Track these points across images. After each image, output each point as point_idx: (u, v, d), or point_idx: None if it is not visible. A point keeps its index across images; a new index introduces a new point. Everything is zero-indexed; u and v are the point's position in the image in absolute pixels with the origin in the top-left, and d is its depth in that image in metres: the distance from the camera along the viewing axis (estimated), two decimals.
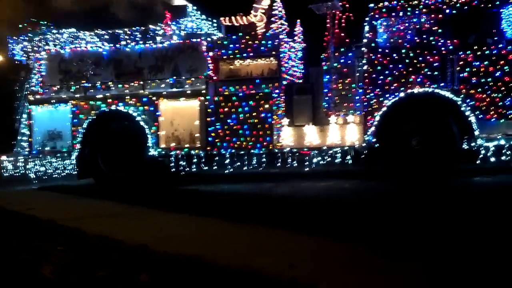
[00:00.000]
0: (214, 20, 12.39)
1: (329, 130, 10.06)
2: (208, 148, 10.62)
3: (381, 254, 3.89)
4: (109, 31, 11.85)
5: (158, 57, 11.10)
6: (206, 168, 10.76)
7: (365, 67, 9.80)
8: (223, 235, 5.09)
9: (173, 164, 10.97)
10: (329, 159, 10.11)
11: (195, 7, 12.07)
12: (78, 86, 11.29)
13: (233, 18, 12.09)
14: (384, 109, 9.55)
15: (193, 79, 10.79)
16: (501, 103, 8.99)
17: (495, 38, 9.12)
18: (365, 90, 9.81)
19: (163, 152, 10.91)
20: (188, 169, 10.87)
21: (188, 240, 4.83)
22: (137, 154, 10.88)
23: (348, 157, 10.00)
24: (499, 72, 9.01)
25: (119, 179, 10.71)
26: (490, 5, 9.16)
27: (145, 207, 7.25)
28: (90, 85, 11.25)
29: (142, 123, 10.93)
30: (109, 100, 11.14)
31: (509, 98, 8.94)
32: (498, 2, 9.13)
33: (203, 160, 10.76)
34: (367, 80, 9.77)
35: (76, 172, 11.13)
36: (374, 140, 9.60)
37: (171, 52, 11.03)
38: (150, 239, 4.71)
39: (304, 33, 12.49)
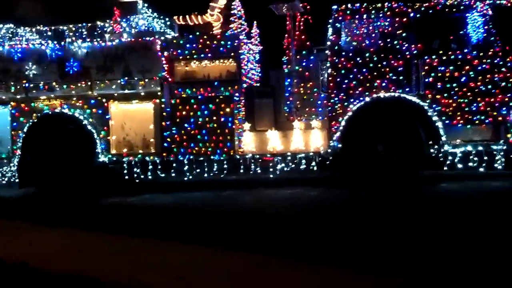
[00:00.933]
0: (167, 19, 11.71)
1: (293, 135, 9.65)
2: (164, 154, 9.93)
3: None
4: (52, 28, 10.91)
5: (107, 56, 10.29)
6: (163, 175, 10.05)
7: (329, 71, 9.48)
8: (114, 250, 4.96)
9: (126, 171, 10.17)
10: (293, 165, 9.68)
11: (146, 4, 11.35)
12: (18, 86, 10.28)
13: (187, 17, 11.50)
14: (349, 114, 9.25)
15: (146, 80, 10.07)
16: (467, 108, 8.91)
17: (461, 43, 9.07)
18: (329, 94, 9.49)
19: (114, 159, 10.11)
20: (143, 176, 10.11)
21: (76, 257, 4.71)
22: (84, 160, 10.02)
23: (313, 163, 9.61)
24: (464, 77, 8.94)
25: (65, 188, 9.81)
26: (454, 10, 9.10)
27: (39, 222, 6.86)
28: (31, 85, 10.26)
29: (89, 127, 10.09)
30: (53, 102, 10.22)
31: (475, 104, 8.89)
32: (462, 7, 9.09)
33: (159, 167, 10.04)
34: (331, 84, 9.45)
35: (17, 180, 10.09)
36: (339, 145, 9.29)
37: (122, 51, 10.26)
38: (34, 256, 4.54)
39: (260, 34, 12.10)
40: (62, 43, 10.41)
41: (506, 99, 8.83)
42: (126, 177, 10.18)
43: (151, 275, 3.85)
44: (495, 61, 8.86)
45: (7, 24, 11.11)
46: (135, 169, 10.14)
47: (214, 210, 7.30)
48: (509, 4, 8.90)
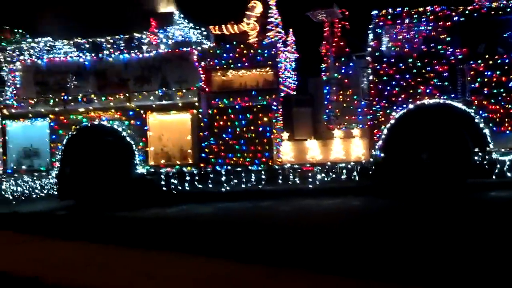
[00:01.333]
0: (203, 29, 11.66)
1: (332, 144, 9.43)
2: (202, 164, 9.82)
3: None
4: (89, 40, 10.98)
5: (145, 67, 10.26)
6: (201, 186, 9.94)
7: (370, 78, 9.24)
8: (121, 262, 5.00)
9: (163, 182, 10.11)
10: (334, 175, 9.44)
11: (181, 15, 11.34)
12: (56, 99, 10.33)
13: (223, 26, 11.39)
14: (392, 121, 8.98)
15: (183, 90, 10.00)
16: None
17: (507, 47, 8.72)
18: (370, 102, 9.24)
19: (152, 170, 10.05)
20: (180, 187, 10.02)
21: (93, 271, 4.72)
22: (123, 172, 9.99)
23: (354, 173, 9.36)
24: None
25: (104, 200, 9.80)
26: (500, 12, 8.76)
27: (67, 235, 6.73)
28: (70, 98, 10.31)
29: (128, 138, 10.07)
30: (92, 114, 10.23)
31: None
32: (508, 9, 8.74)
33: (197, 177, 9.94)
34: (372, 91, 9.21)
35: (56, 193, 10.13)
36: (382, 155, 9.01)
37: (159, 62, 10.23)
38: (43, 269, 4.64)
39: (296, 42, 11.91)
40: (100, 55, 10.45)
41: None
42: (164, 188, 10.11)
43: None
44: None
45: (45, 38, 11.23)
46: (172, 180, 10.06)
47: (247, 222, 7.10)
48: None
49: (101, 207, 9.55)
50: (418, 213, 7.31)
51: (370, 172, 9.29)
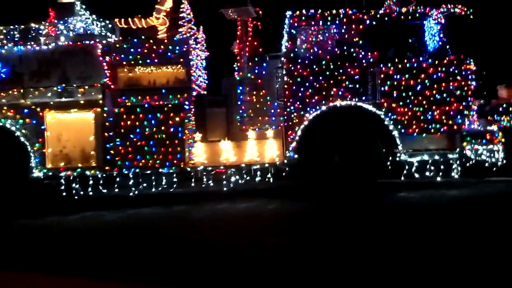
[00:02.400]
0: (107, 21, 10.88)
1: (247, 145, 9.18)
2: (107, 167, 9.13)
3: None
4: None
5: (42, 61, 9.37)
6: (105, 191, 9.23)
7: (284, 79, 9.11)
8: None
9: (63, 187, 9.26)
10: (248, 177, 9.19)
11: (84, 6, 10.51)
12: None
13: (129, 20, 10.68)
14: (306, 123, 8.93)
15: (86, 87, 9.26)
16: (422, 117, 8.83)
17: (416, 51, 8.98)
18: (285, 103, 9.12)
19: (50, 173, 9.19)
20: (82, 192, 9.25)
21: None
22: (16, 176, 9.04)
23: (269, 174, 9.18)
24: (420, 86, 8.85)
25: None
26: (410, 18, 9.02)
27: None
28: None
29: (22, 138, 9.13)
30: None
31: (430, 112, 8.81)
32: (418, 15, 9.02)
33: (101, 181, 9.22)
34: (287, 92, 9.09)
35: None
36: (295, 156, 8.91)
37: (59, 56, 9.38)
38: None
39: (207, 40, 11.51)
40: None
41: (461, 107, 8.82)
42: (64, 193, 9.27)
43: None
44: (450, 69, 8.83)
45: None
46: (74, 185, 9.26)
47: (146, 229, 6.63)
48: (462, 13, 8.90)
49: None
50: (330, 216, 7.25)
51: (284, 174, 9.16)
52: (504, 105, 9.47)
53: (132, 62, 9.39)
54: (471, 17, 8.88)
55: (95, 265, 4.78)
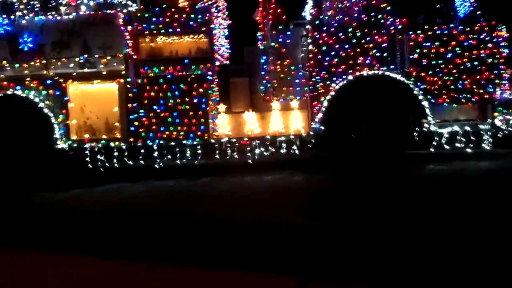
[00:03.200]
0: None
1: (271, 117, 9.04)
2: (131, 139, 9.08)
3: None
4: None
5: (64, 31, 9.23)
6: (131, 162, 9.21)
7: (309, 47, 8.87)
8: None
9: (88, 159, 9.26)
10: (273, 149, 9.07)
11: None
12: None
13: None
14: (332, 93, 8.73)
15: (108, 57, 9.14)
16: (452, 86, 8.57)
17: (446, 18, 8.67)
18: (310, 72, 8.91)
19: (75, 145, 9.17)
20: (108, 164, 9.23)
21: None
22: (41, 148, 9.05)
23: (294, 146, 9.05)
24: (450, 54, 8.57)
25: (22, 177, 8.83)
26: None
27: None
28: None
29: (46, 110, 9.09)
30: (4, 83, 9.12)
31: (461, 81, 8.54)
32: None
33: (126, 153, 9.20)
34: (312, 62, 8.86)
35: None
36: (322, 127, 8.76)
37: (79, 26, 9.23)
38: None
39: (228, 7, 11.24)
40: (12, 17, 9.26)
41: (492, 76, 8.54)
42: (89, 165, 9.28)
43: None
44: (481, 36, 8.52)
45: None
46: (99, 156, 9.25)
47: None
48: None
49: (19, 186, 8.58)
50: (359, 188, 7.12)
51: (310, 146, 9.02)
52: None
53: (154, 32, 9.22)
54: None
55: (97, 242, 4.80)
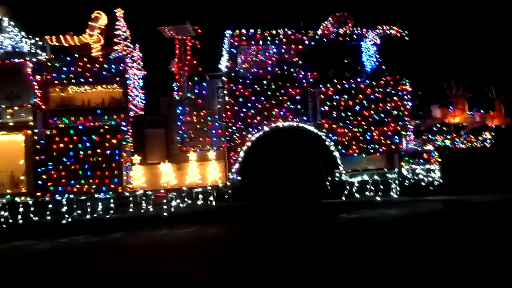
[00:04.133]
0: (37, 38, 10.31)
1: (188, 168, 8.92)
2: (38, 193, 8.59)
3: None
4: None
5: None
6: (37, 218, 8.66)
7: (226, 99, 8.96)
8: None
9: None
10: (190, 201, 8.92)
11: (12, 22, 9.91)
12: None
13: (61, 37, 10.18)
14: (248, 144, 8.81)
15: (15, 108, 8.72)
16: (361, 137, 8.94)
17: (354, 72, 9.12)
18: (226, 123, 8.96)
19: None
20: (11, 220, 8.62)
21: None
22: None
23: (211, 197, 8.96)
24: (358, 106, 8.98)
25: None
26: (348, 38, 9.15)
27: None
28: None
29: None
30: None
31: (369, 133, 8.94)
32: (355, 36, 9.16)
33: (32, 208, 8.65)
34: (228, 113, 8.94)
35: None
36: (239, 178, 8.76)
37: None
38: None
39: (143, 59, 11.18)
40: None
41: (398, 127, 9.01)
42: None
43: None
44: (387, 90, 9.03)
45: None
46: (2, 212, 8.62)
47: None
48: (398, 35, 9.14)
49: None
50: (272, 238, 7.12)
51: (227, 196, 8.96)
52: (438, 125, 9.79)
53: (65, 81, 8.96)
54: (407, 38, 9.13)
55: None
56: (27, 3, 15.04)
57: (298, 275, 4.72)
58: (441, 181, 9.10)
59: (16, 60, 8.95)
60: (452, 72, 11.96)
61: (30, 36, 10.18)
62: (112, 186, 8.65)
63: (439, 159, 9.02)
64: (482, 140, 9.74)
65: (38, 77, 8.86)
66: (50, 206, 8.74)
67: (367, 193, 8.99)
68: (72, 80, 8.96)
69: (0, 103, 8.69)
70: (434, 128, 9.79)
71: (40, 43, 10.23)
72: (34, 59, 9.08)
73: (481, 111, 10.30)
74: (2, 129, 8.63)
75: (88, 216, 8.71)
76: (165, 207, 8.90)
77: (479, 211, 8.37)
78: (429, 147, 9.29)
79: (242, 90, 8.93)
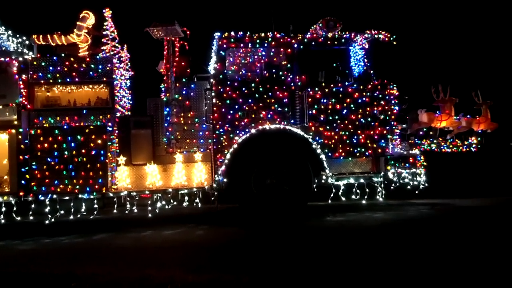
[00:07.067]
0: (24, 38, 10.23)
1: (174, 169, 8.87)
2: (21, 193, 8.49)
3: None
4: None
5: None
6: (19, 218, 8.54)
7: (213, 101, 8.93)
8: None
9: None
10: (175, 202, 8.85)
11: None
12: None
13: (48, 36, 10.08)
14: (235, 146, 8.78)
15: (0, 107, 8.62)
16: (348, 141, 8.96)
17: (342, 76, 9.15)
18: (213, 125, 8.93)
19: None
20: None
21: None
22: None
23: (197, 199, 8.91)
24: (345, 110, 9.00)
25: None
26: (336, 42, 9.17)
27: None
28: None
29: None
30: None
31: (355, 136, 8.96)
32: (343, 40, 9.19)
33: (15, 208, 8.54)
34: (215, 115, 8.91)
35: None
36: (225, 180, 8.73)
37: None
38: None
39: (131, 59, 11.13)
40: None
41: (385, 131, 9.04)
42: None
43: None
44: (374, 94, 9.06)
45: None
46: None
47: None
48: (386, 39, 9.17)
49: None
50: (257, 240, 7.06)
51: (213, 198, 8.92)
52: (425, 129, 9.84)
53: (51, 81, 8.87)
54: (395, 42, 9.17)
55: None
56: (15, 1, 14.94)
57: (285, 278, 4.68)
58: (427, 185, 9.14)
59: (2, 59, 8.86)
60: (439, 77, 12.07)
61: (17, 35, 10.11)
62: (97, 186, 8.56)
63: (425, 163, 9.06)
64: (468, 145, 9.83)
65: (24, 76, 8.76)
66: (33, 206, 8.64)
67: (353, 196, 9.00)
68: (58, 80, 8.87)
69: None
70: (420, 133, 9.85)
71: (27, 42, 10.16)
72: (20, 58, 8.97)
73: (468, 116, 10.39)
74: None
75: (71, 217, 8.60)
76: (149, 208, 8.83)
77: (464, 215, 8.40)
78: (415, 151, 9.33)
79: (229, 92, 8.91)
